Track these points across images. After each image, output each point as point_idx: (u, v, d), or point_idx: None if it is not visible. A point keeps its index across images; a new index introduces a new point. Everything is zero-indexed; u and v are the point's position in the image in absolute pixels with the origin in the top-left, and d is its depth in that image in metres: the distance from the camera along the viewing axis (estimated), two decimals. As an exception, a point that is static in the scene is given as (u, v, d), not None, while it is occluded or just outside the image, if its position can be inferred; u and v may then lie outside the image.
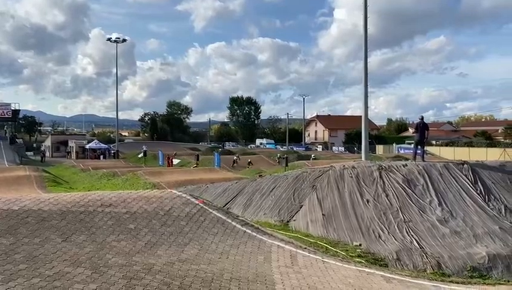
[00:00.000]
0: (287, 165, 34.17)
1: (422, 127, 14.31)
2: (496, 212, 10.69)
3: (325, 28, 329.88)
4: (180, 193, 9.80)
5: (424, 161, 13.73)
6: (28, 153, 57.64)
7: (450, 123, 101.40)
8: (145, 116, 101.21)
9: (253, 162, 41.59)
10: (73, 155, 56.91)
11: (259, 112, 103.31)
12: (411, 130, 75.33)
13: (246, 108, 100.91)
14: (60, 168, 40.48)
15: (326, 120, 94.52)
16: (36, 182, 27.16)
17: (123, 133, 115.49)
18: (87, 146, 57.41)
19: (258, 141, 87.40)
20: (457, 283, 7.66)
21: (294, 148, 70.05)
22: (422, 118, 14.61)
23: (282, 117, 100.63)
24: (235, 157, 42.17)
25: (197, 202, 9.36)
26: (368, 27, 23.40)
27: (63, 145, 62.76)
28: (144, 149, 47.23)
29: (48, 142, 66.44)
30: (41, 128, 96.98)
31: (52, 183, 27.53)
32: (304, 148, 71.54)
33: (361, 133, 24.74)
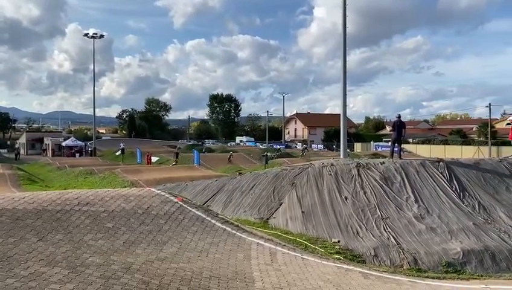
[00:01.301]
0: (266, 162, 34.26)
1: (399, 125, 14.53)
2: (470, 209, 10.95)
3: (304, 26, 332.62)
4: (159, 191, 9.72)
5: (401, 158, 13.95)
6: (2, 151, 56.29)
7: (426, 121, 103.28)
8: (123, 113, 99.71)
9: (233, 160, 41.53)
10: (49, 153, 55.76)
11: (239, 110, 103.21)
12: (388, 129, 76.54)
13: (226, 105, 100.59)
14: (35, 166, 39.60)
15: (306, 118, 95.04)
16: (10, 180, 26.51)
17: (100, 131, 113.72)
18: (63, 143, 56.26)
19: (238, 139, 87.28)
20: (433, 278, 7.84)
21: (274, 146, 70.22)
22: (399, 117, 14.84)
23: (262, 115, 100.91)
24: (229, 154, 42.53)
25: (176, 200, 9.31)
26: (346, 26, 23.62)
27: (39, 142, 61.46)
28: (122, 147, 46.61)
29: (22, 140, 64.96)
30: (15, 125, 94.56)
31: (27, 182, 26.91)
32: (283, 146, 71.79)
33: (339, 131, 24.98)
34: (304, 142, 78.43)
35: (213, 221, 8.82)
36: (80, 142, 58.37)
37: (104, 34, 59.75)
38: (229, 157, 41.51)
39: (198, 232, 8.06)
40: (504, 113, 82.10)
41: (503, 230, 10.01)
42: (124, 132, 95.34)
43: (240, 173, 19.86)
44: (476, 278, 8.04)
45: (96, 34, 57.37)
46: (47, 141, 58.59)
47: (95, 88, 61.77)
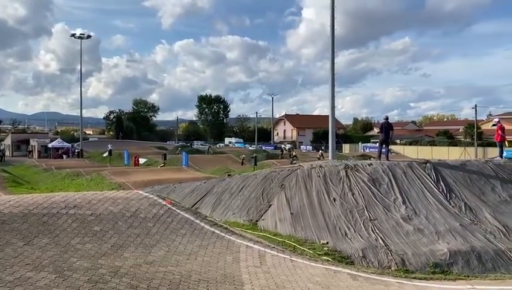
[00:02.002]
0: (255, 164, 34.26)
1: (387, 127, 14.64)
2: (457, 210, 11.07)
3: (293, 27, 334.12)
4: (147, 194, 9.66)
5: (388, 160, 14.06)
6: (-14, 153, 55.35)
7: (413, 123, 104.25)
8: (110, 114, 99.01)
9: (221, 161, 41.49)
10: (35, 154, 55.01)
11: (228, 111, 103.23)
12: (376, 130, 77.07)
13: (215, 106, 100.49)
14: (20, 168, 39.08)
15: (295, 119, 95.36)
16: (-5, 182, 26.13)
17: (87, 132, 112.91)
18: (49, 145, 55.58)
19: (226, 140, 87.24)
20: (420, 279, 7.91)
21: (263, 147, 70.31)
22: (387, 118, 14.96)
23: (251, 116, 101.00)
24: (242, 158, 42.55)
25: (164, 202, 9.26)
26: (335, 27, 23.76)
27: (24, 144, 60.55)
28: (109, 148, 46.22)
29: (7, 141, 63.98)
30: (0, 126, 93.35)
31: (13, 184, 26.53)
32: (272, 147, 71.90)
33: (328, 132, 25.10)
34: (292, 143, 78.65)
35: (202, 224, 8.79)
36: (66, 144, 57.74)
37: (91, 34, 59.40)
38: (242, 161, 41.74)
39: (186, 235, 8.03)
40: (490, 115, 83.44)
41: (488, 231, 10.14)
42: (111, 133, 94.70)
43: (228, 175, 19.83)
44: (462, 279, 8.13)
45: (83, 34, 56.99)
46: (33, 142, 57.81)
47: (82, 88, 61.21)
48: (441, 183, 12.13)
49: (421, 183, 12.03)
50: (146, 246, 7.01)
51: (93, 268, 5.62)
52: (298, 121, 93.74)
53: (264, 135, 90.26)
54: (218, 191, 13.32)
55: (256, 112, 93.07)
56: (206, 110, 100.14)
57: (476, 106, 59.86)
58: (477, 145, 53.13)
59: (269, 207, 11.47)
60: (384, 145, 14.95)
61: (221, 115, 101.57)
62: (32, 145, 57.42)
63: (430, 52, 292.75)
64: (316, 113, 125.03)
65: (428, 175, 12.40)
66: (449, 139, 66.54)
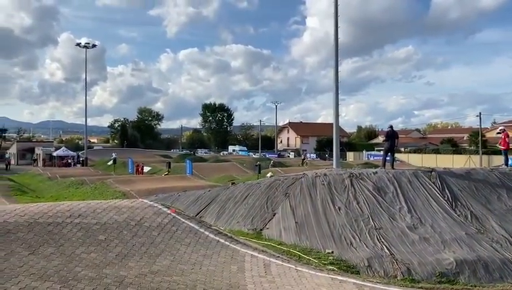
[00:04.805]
0: (259, 172, 34.19)
1: (391, 135, 14.65)
2: (463, 219, 11.00)
3: (297, 35, 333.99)
4: (151, 203, 9.67)
5: (393, 168, 14.01)
6: (-8, 161, 55.67)
7: (418, 130, 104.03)
8: (115, 123, 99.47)
9: (226, 169, 41.46)
10: (40, 163, 55.34)
11: (232, 119, 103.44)
12: (381, 138, 76.88)
13: (219, 115, 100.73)
14: (26, 177, 39.26)
15: (298, 127, 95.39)
16: (0, 191, 26.24)
17: (92, 140, 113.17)
18: (54, 153, 55.89)
19: (230, 148, 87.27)
20: (426, 288, 7.84)
21: (267, 155, 70.26)
22: (391, 127, 15.01)
23: (254, 124, 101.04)
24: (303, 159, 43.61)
25: (169, 211, 9.26)
26: (338, 36, 23.83)
27: (29, 152, 60.99)
28: (114, 156, 46.33)
29: (13, 150, 64.44)
30: (6, 135, 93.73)
31: (18, 193, 26.65)
32: (276, 155, 71.84)
33: (332, 140, 25.07)
34: (296, 151, 78.56)
35: (206, 232, 8.77)
36: (71, 152, 58.01)
37: (96, 43, 59.66)
38: (303, 161, 43.02)
39: (191, 244, 8.01)
40: (494, 122, 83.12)
41: (495, 240, 10.06)
42: (116, 141, 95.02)
43: (232, 183, 19.82)
44: (469, 289, 8.06)
45: (88, 43, 57.25)
46: (38, 150, 58.20)
47: (87, 97, 61.38)
48: (447, 191, 12.06)
49: (426, 192, 11.96)
50: (151, 256, 7.00)
51: (98, 278, 5.61)
52: (302, 129, 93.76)
53: (268, 143, 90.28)
54: (222, 199, 13.29)
55: (260, 120, 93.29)
56: (210, 118, 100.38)
57: (480, 113, 59.79)
58: (482, 153, 52.86)
59: (273, 216, 11.43)
60: (389, 154, 14.94)
61: (225, 123, 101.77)
62: (37, 154, 57.78)
63: (434, 60, 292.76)
64: (319, 121, 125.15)
65: (434, 184, 12.34)
66: (453, 147, 66.21)
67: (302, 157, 49.49)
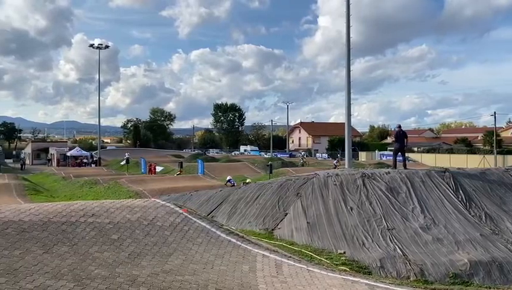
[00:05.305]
0: (271, 172, 34.17)
1: (401, 135, 14.60)
2: (477, 219, 10.86)
3: (309, 35, 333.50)
4: (163, 202, 9.72)
5: (406, 168, 13.90)
6: (7, 161, 56.59)
7: (431, 130, 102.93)
8: (127, 123, 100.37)
9: (237, 169, 41.50)
10: (54, 163, 56.00)
11: (244, 119, 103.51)
12: (390, 139, 76.28)
13: (230, 115, 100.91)
14: (40, 176, 39.77)
15: (310, 127, 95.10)
16: (16, 190, 26.62)
17: (105, 140, 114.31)
18: (68, 153, 56.53)
19: (242, 148, 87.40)
20: (440, 289, 7.76)
21: (278, 155, 70.19)
22: (399, 127, 14.94)
23: (266, 124, 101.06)
24: (303, 159, 43.58)
25: (181, 211, 9.30)
26: (351, 35, 23.73)
27: (44, 152, 61.77)
28: (127, 156, 46.69)
29: (28, 150, 65.29)
30: (21, 135, 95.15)
31: (33, 192, 27.01)
32: (288, 155, 71.74)
33: (344, 139, 24.96)
34: (306, 150, 78.34)
35: (218, 232, 8.80)
36: (85, 152, 58.60)
37: (109, 44, 60.40)
38: (337, 161, 43.21)
39: (203, 243, 8.04)
40: (509, 122, 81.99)
41: (510, 241, 9.92)
42: (128, 141, 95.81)
43: (244, 183, 19.85)
44: (483, 290, 7.96)
45: (101, 44, 57.82)
46: (52, 150, 58.87)
47: (100, 98, 62.08)
48: (460, 192, 11.93)
49: (439, 192, 11.85)
50: (163, 255, 7.04)
51: (111, 277, 5.66)
52: (313, 128, 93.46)
53: (279, 143, 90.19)
54: (233, 199, 13.31)
55: (272, 120, 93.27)
56: (222, 118, 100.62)
57: (495, 113, 58.99)
58: (497, 153, 52.15)
59: (285, 216, 11.42)
60: (400, 154, 14.83)
61: (236, 123, 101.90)
62: (51, 154, 58.45)
63: (448, 59, 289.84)
64: (331, 120, 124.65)
65: (447, 184, 12.21)
66: (467, 147, 65.43)
67: (301, 157, 49.73)
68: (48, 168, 49.72)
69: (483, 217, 10.96)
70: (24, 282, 5.01)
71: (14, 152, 70.96)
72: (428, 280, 8.33)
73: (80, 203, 8.65)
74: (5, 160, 55.18)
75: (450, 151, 60.99)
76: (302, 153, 58.59)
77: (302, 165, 42.62)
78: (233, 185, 22.86)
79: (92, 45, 57.56)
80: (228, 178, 27.13)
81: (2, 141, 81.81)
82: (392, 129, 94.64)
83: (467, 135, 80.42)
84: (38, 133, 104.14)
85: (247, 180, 24.49)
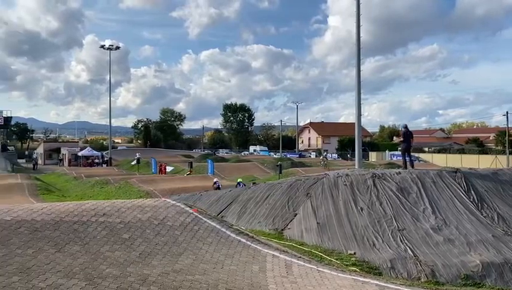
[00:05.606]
0: (280, 172, 34.17)
1: (408, 135, 14.72)
2: (489, 220, 10.75)
3: (319, 35, 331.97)
4: (174, 202, 9.77)
5: (413, 168, 13.92)
6: (20, 161, 57.29)
7: (442, 130, 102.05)
8: (138, 123, 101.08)
9: (247, 169, 41.56)
10: (66, 163, 56.57)
11: (253, 119, 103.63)
12: (398, 139, 75.56)
13: (240, 115, 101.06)
14: (52, 176, 40.19)
15: (320, 127, 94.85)
16: (28, 190, 26.95)
17: (116, 140, 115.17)
18: (79, 153, 57.06)
19: (251, 148, 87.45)
20: (452, 291, 7.70)
21: (288, 155, 70.11)
22: (406, 127, 15.08)
23: (275, 124, 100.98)
24: (322, 157, 43.54)
25: (191, 211, 9.34)
26: (361, 35, 23.62)
27: (56, 152, 62.45)
28: (137, 156, 46.99)
29: (40, 150, 66.08)
30: (33, 135, 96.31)
31: (45, 192, 27.33)
32: (297, 155, 71.62)
33: (354, 140, 24.86)
34: (322, 151, 77.95)
35: (228, 232, 8.82)
36: (96, 152, 59.10)
37: (119, 45, 60.94)
38: (324, 163, 42.99)
39: (213, 243, 8.06)
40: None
41: (523, 242, 9.79)
42: (139, 141, 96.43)
43: (253, 183, 19.86)
44: (496, 292, 7.88)
45: (112, 45, 58.36)
46: (64, 151, 59.49)
47: (111, 98, 62.63)
48: (472, 192, 11.81)
49: (451, 193, 11.74)
50: (173, 254, 7.08)
51: (122, 276, 5.71)
52: (323, 128, 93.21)
53: (289, 143, 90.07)
54: (243, 199, 13.32)
55: (281, 120, 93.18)
56: (231, 118, 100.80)
57: (507, 112, 58.24)
58: (509, 153, 51.54)
59: (295, 216, 11.40)
60: (407, 154, 14.92)
61: (246, 123, 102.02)
62: (63, 154, 59.07)
63: (460, 58, 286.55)
64: (341, 120, 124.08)
65: (459, 184, 12.10)
66: (479, 147, 64.76)
67: (321, 158, 48.48)
68: (59, 168, 50.24)
69: (496, 218, 10.84)
70: (37, 281, 5.07)
71: (26, 152, 71.83)
72: (439, 281, 8.26)
73: (91, 203, 8.73)
74: (18, 160, 55.85)
75: (462, 151, 60.43)
76: (325, 153, 56.92)
77: (325, 166, 41.18)
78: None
79: (103, 46, 58.12)
80: (238, 181, 26.73)
81: (15, 141, 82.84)
82: (401, 129, 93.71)
83: (479, 135, 79.63)
84: (50, 134, 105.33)
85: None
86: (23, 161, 59.51)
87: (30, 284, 4.94)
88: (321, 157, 44.84)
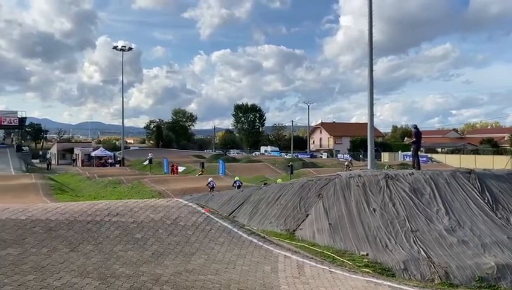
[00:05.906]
0: (292, 173, 34.09)
1: (419, 135, 14.91)
2: (504, 222, 10.60)
3: (330, 34, 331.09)
4: (186, 202, 9.80)
5: (419, 168, 13.92)
6: (34, 161, 57.99)
7: (455, 130, 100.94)
8: (150, 124, 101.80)
9: (258, 169, 41.54)
10: (79, 163, 57.16)
11: (264, 119, 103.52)
12: (409, 140, 74.76)
13: (251, 115, 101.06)
14: (65, 176, 40.64)
15: (331, 127, 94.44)
16: (42, 190, 27.29)
17: (129, 141, 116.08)
18: (92, 154, 57.62)
19: (262, 149, 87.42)
20: (466, 293, 7.60)
21: (299, 156, 69.91)
22: (416, 127, 15.14)
23: (286, 124, 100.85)
24: (347, 163, 42.60)
25: (203, 211, 9.36)
26: (373, 34, 23.45)
27: (69, 152, 63.14)
28: (150, 156, 47.28)
29: (53, 150, 66.86)
30: (47, 135, 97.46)
31: (58, 191, 27.64)
32: (308, 156, 71.39)
33: (366, 140, 24.69)
34: (329, 151, 77.51)
35: (240, 232, 8.82)
36: (108, 152, 59.62)
37: (132, 46, 61.45)
38: (347, 166, 41.92)
39: (225, 243, 8.07)
40: (538, 122, 79.51)
41: (539, 244, 9.64)
42: (151, 142, 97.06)
43: (265, 184, 19.84)
44: (511, 295, 7.76)
45: (124, 46, 58.86)
46: (77, 151, 60.14)
47: (124, 99, 63.18)
48: (486, 193, 11.66)
49: (465, 194, 11.60)
50: (186, 254, 7.10)
51: (135, 275, 5.74)
52: (335, 129, 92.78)
53: (300, 144, 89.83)
54: (255, 199, 13.32)
55: (292, 121, 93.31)
56: (243, 119, 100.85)
57: (522, 112, 57.31)
58: (525, 154, 50.74)
59: (307, 217, 11.37)
60: (417, 154, 14.98)
61: (257, 123, 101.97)
62: (76, 154, 59.70)
63: (473, 58, 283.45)
64: (353, 121, 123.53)
65: (473, 185, 11.95)
66: (494, 147, 63.85)
67: (346, 164, 45.62)
68: (72, 168, 50.79)
69: (511, 220, 10.68)
70: (51, 279, 5.13)
71: (40, 152, 72.69)
72: (453, 283, 8.18)
73: (104, 203, 8.80)
74: (32, 160, 56.56)
75: (475, 152, 59.66)
76: (349, 158, 54.77)
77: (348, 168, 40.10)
78: (239, 187, 21.78)
79: (115, 47, 58.65)
80: (236, 179, 25.55)
81: (29, 142, 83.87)
82: (412, 129, 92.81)
83: (493, 135, 78.54)
84: (63, 134, 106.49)
85: (278, 180, 23.50)
86: (37, 161, 60.19)
87: (45, 283, 4.99)
88: (345, 163, 43.10)
